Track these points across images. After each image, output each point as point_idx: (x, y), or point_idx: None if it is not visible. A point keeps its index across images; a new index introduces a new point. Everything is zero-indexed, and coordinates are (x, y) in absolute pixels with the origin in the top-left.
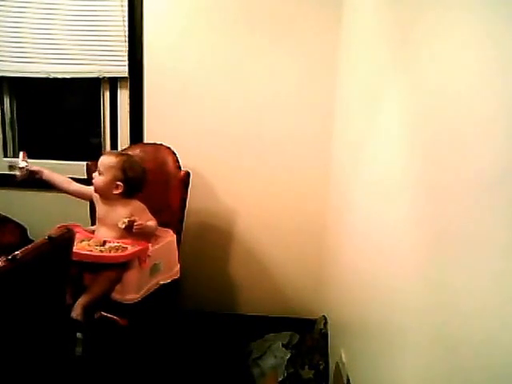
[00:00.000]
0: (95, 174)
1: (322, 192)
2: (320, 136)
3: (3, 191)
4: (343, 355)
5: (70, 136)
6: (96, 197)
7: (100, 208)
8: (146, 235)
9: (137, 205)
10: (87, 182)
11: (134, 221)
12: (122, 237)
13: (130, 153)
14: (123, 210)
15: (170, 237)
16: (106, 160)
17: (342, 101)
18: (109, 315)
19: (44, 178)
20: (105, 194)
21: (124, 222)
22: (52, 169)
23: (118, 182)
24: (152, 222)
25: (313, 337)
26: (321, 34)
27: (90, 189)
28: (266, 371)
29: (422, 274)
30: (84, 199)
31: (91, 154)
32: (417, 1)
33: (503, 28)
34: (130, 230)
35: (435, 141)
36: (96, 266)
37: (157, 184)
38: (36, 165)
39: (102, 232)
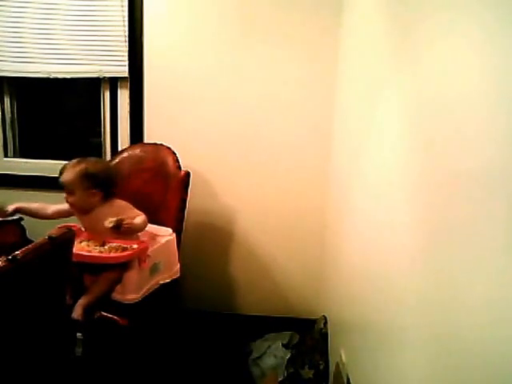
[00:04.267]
0: (66, 197)
1: (321, 192)
2: (320, 136)
3: (3, 191)
4: (343, 355)
5: (70, 136)
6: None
7: (84, 219)
8: (137, 232)
9: (120, 204)
10: None
11: (122, 220)
12: (114, 239)
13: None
14: (109, 213)
15: (169, 236)
16: (68, 177)
17: (342, 101)
18: (109, 315)
19: (23, 212)
20: (87, 208)
21: (111, 221)
22: (52, 169)
23: (93, 190)
24: (140, 218)
25: (313, 337)
26: (321, 35)
27: (67, 206)
28: (265, 371)
29: (423, 274)
30: (65, 217)
31: (91, 154)
32: (417, 1)
33: (503, 27)
34: (118, 230)
35: (434, 140)
36: (96, 267)
37: (157, 184)
38: (36, 165)
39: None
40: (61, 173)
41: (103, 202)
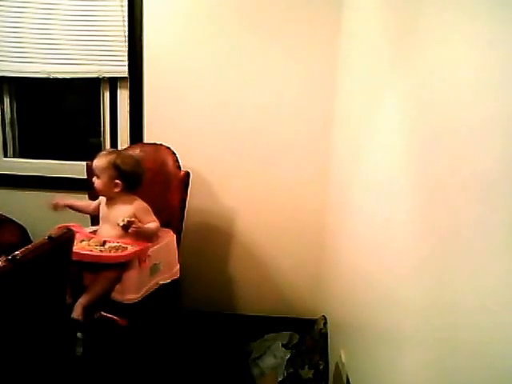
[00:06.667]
0: (94, 179)
1: (321, 192)
2: (320, 136)
3: (3, 191)
4: (343, 355)
5: (70, 136)
6: (102, 199)
7: (104, 207)
8: (146, 237)
9: (140, 205)
10: (87, 182)
11: (133, 222)
12: (123, 236)
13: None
14: (126, 209)
15: (169, 237)
16: (98, 162)
17: (342, 101)
18: (109, 315)
19: (72, 208)
20: (107, 194)
21: (123, 220)
22: (52, 169)
23: (116, 181)
24: (153, 225)
25: (313, 337)
26: (321, 35)
27: (98, 199)
28: (265, 371)
29: (422, 274)
30: None
31: (91, 154)
32: (417, 2)
33: (503, 28)
34: (126, 230)
35: (434, 141)
36: (96, 266)
37: (157, 184)
38: (35, 165)
39: (105, 230)
40: (94, 158)
41: (123, 194)
